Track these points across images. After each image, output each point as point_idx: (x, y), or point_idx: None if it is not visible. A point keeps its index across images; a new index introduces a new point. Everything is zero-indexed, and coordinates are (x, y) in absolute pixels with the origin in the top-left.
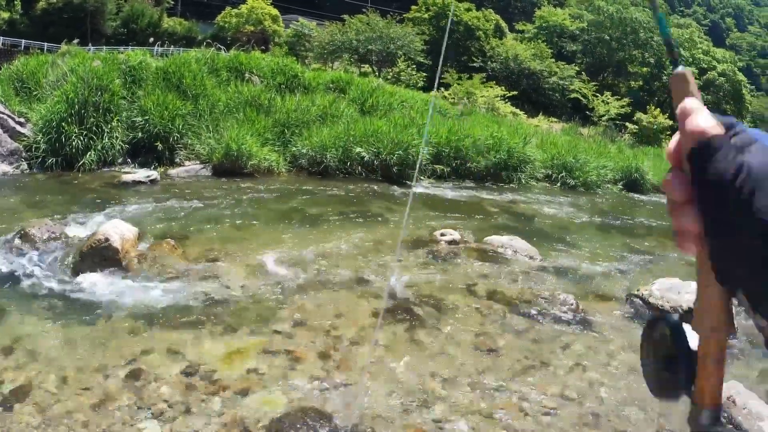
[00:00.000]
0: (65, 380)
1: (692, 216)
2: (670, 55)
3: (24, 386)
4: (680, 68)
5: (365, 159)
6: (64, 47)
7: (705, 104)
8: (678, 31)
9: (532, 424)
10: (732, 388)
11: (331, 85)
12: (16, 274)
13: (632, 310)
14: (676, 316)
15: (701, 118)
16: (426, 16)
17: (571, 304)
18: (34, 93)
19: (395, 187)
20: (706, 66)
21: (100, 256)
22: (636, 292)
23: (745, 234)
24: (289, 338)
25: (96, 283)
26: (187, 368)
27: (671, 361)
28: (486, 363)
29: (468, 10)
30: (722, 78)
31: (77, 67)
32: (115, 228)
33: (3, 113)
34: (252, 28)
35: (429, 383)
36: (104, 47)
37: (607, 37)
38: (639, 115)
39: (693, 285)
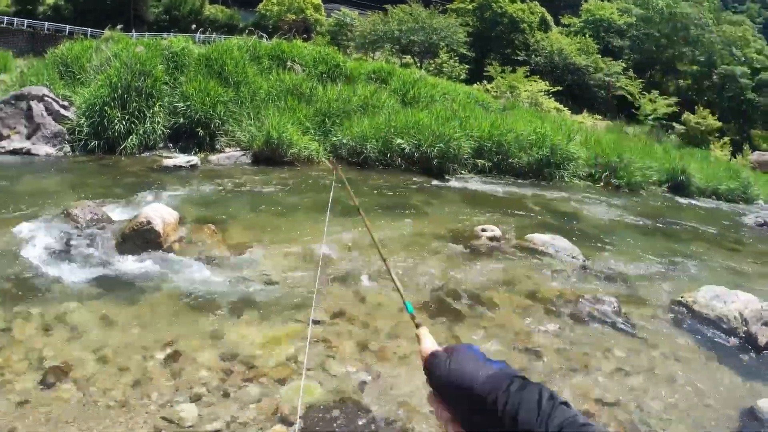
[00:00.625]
0: (104, 359)
1: (442, 407)
2: (414, 321)
3: (64, 364)
4: (419, 329)
5: (405, 151)
6: (107, 33)
7: (757, 107)
8: (730, 29)
9: None
10: None
11: (372, 76)
12: (59, 253)
13: (676, 316)
14: None
15: (426, 346)
16: (470, 6)
17: (614, 307)
18: (78, 77)
19: (435, 181)
20: (759, 66)
21: (141, 238)
22: (680, 299)
23: (455, 396)
24: (326, 328)
25: (137, 265)
26: (226, 353)
27: None
28: (525, 362)
29: (513, 1)
30: None
31: (120, 53)
32: (157, 211)
33: (47, 96)
34: (294, 17)
35: None
36: (146, 33)
37: (656, 33)
38: (687, 115)
39: (740, 294)
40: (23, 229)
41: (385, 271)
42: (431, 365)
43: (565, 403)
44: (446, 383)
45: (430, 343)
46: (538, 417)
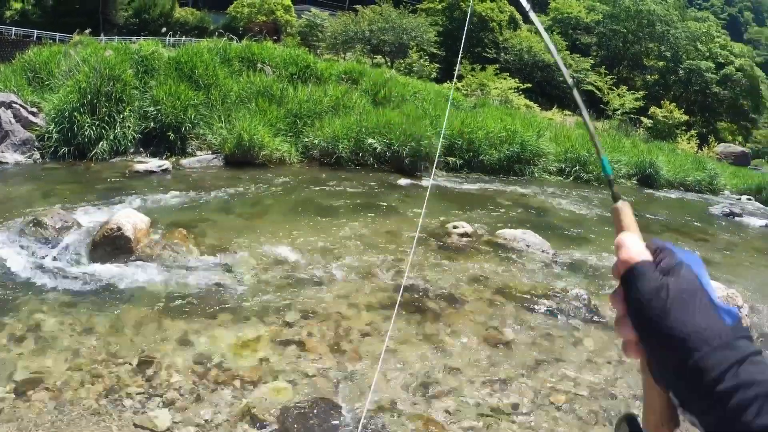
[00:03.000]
0: (77, 368)
1: (629, 327)
2: (611, 191)
3: (36, 373)
4: (618, 203)
5: (377, 150)
6: (76, 37)
7: (722, 101)
8: (695, 25)
9: (542, 419)
10: None
11: (343, 76)
12: (29, 262)
13: None
14: (636, 418)
15: (631, 250)
16: (439, 6)
17: (584, 300)
18: (47, 83)
19: (407, 179)
20: (723, 61)
21: (112, 244)
22: None
23: (664, 347)
24: (299, 329)
25: (108, 272)
26: (199, 357)
27: None
28: (497, 357)
29: (482, 0)
30: (739, 73)
31: (89, 57)
32: (128, 217)
33: (16, 103)
34: (264, 18)
35: (439, 376)
36: (116, 37)
37: (623, 30)
38: (654, 109)
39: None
40: None
41: (356, 269)
42: (634, 281)
43: None
44: (651, 327)
45: (635, 242)
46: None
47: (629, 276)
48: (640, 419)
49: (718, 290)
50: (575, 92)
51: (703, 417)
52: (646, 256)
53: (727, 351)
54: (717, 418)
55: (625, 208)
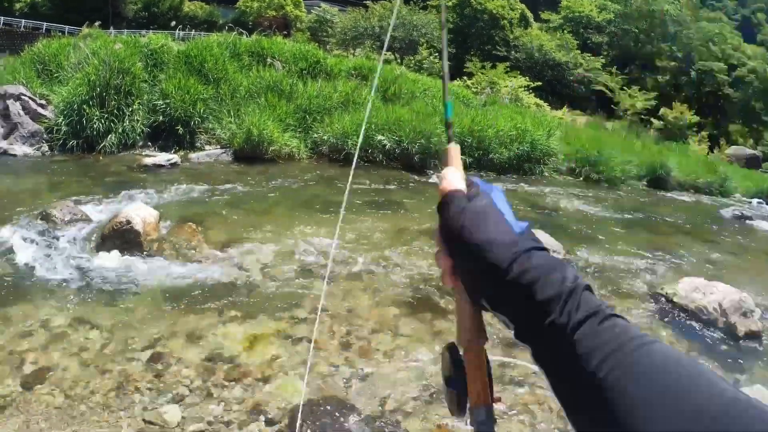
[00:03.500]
0: (86, 362)
1: (444, 255)
2: (447, 133)
3: (44, 367)
4: (450, 144)
5: (386, 147)
6: (85, 30)
7: (734, 103)
8: (708, 26)
9: (555, 420)
10: (758, 393)
11: (353, 72)
12: (38, 255)
13: (657, 308)
14: (455, 345)
15: (449, 181)
16: (450, 3)
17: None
18: (56, 75)
19: (416, 176)
20: (735, 62)
21: (121, 238)
22: (661, 291)
23: (467, 257)
24: (309, 325)
25: (117, 266)
26: (209, 353)
27: (452, 380)
28: (509, 358)
29: None
30: (752, 75)
31: (99, 50)
32: (137, 211)
33: (24, 95)
34: (274, 13)
35: None
36: (125, 30)
37: (635, 30)
38: (665, 110)
39: (719, 285)
40: (1, 230)
41: (367, 266)
42: (445, 206)
43: (589, 288)
44: (455, 241)
45: (453, 176)
46: (559, 299)
47: (443, 203)
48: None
49: (729, 294)
50: (444, 33)
51: (507, 308)
52: (460, 186)
53: (513, 247)
54: (515, 305)
55: (454, 150)
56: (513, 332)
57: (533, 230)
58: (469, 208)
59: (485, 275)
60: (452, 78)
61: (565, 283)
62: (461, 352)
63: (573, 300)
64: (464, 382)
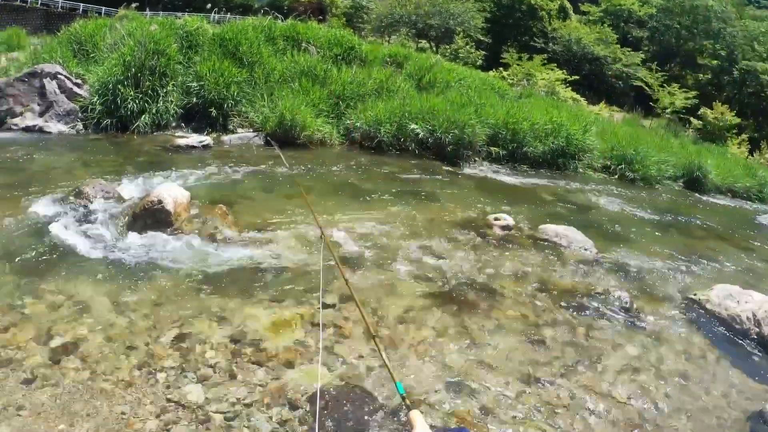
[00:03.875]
0: (112, 338)
1: None
2: (405, 404)
3: (72, 341)
4: (411, 412)
5: (420, 136)
6: (122, 11)
7: None
8: (753, 24)
9: (577, 423)
10: None
11: (387, 59)
12: (69, 231)
13: (689, 314)
14: None
15: None
16: None
17: (626, 302)
18: (92, 55)
19: (449, 167)
20: None
21: (152, 217)
22: (693, 297)
23: None
24: (336, 312)
25: (147, 244)
26: (234, 335)
27: None
28: (534, 355)
29: None
30: None
31: (135, 31)
32: (169, 191)
33: (61, 74)
34: None
35: (475, 370)
36: (161, 13)
37: (677, 25)
38: (704, 110)
39: (754, 294)
40: (35, 206)
41: (396, 255)
42: None
43: None
44: None
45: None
46: None
47: None
48: None
49: (764, 304)
50: None
51: None
52: None
53: None
54: None
55: (417, 416)
56: None
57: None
58: None
59: None
60: (488, 68)
61: None
62: None
63: None
64: None
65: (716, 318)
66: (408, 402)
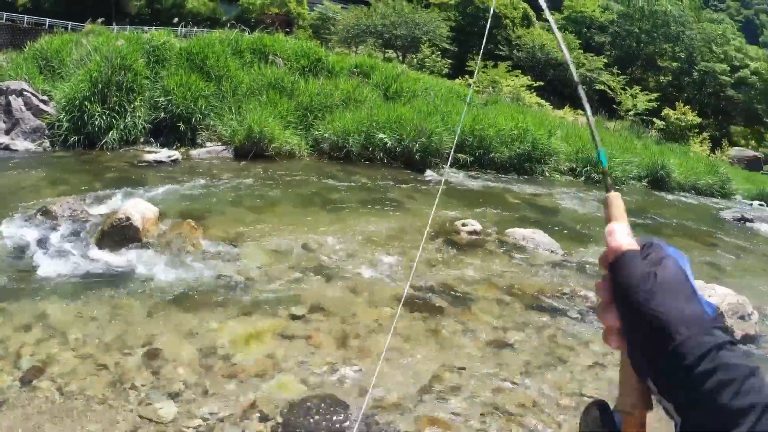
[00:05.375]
0: (83, 357)
1: (613, 315)
2: (605, 181)
3: (42, 362)
4: (611, 193)
5: (388, 145)
6: (88, 26)
7: (736, 104)
8: (710, 26)
9: (548, 422)
10: None
11: (354, 70)
12: (37, 250)
13: None
14: (606, 403)
15: (621, 238)
16: (452, 1)
17: (592, 302)
18: (58, 71)
19: (417, 175)
20: (738, 63)
21: (120, 234)
22: None
23: (644, 331)
24: (306, 323)
25: (116, 262)
26: (205, 350)
27: None
28: (503, 357)
29: None
30: (754, 77)
31: (101, 47)
32: (136, 207)
33: (27, 91)
34: (276, 10)
35: (445, 375)
36: (128, 27)
37: (637, 30)
38: (667, 111)
39: (717, 288)
40: (1, 226)
41: (365, 265)
42: (621, 271)
43: None
44: (636, 310)
45: (623, 231)
46: (754, 410)
47: (619, 262)
48: (611, 404)
49: (727, 297)
50: (580, 88)
51: (681, 402)
52: (635, 245)
53: (708, 337)
54: (692, 401)
55: (616, 199)
56: (677, 425)
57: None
58: (660, 274)
59: (664, 359)
60: (453, 76)
61: (764, 391)
62: (618, 415)
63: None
64: None
65: None
66: (609, 180)
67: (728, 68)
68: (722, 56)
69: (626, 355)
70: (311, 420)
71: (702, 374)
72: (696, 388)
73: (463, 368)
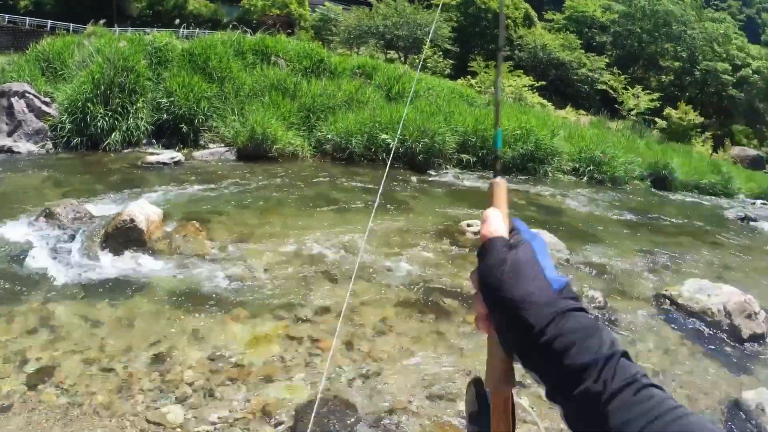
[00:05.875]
0: (89, 361)
1: (480, 301)
2: (494, 166)
3: (48, 366)
4: (497, 179)
5: (390, 146)
6: (90, 28)
7: (738, 104)
8: (712, 26)
9: (558, 424)
10: (762, 395)
11: (356, 71)
12: (41, 253)
13: (661, 310)
14: (482, 380)
15: (491, 225)
16: (454, 2)
17: (599, 301)
18: (60, 73)
19: (419, 175)
20: (740, 63)
21: (125, 236)
22: (665, 293)
23: (501, 312)
24: (313, 325)
25: (121, 264)
26: (212, 352)
27: (476, 417)
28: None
29: None
30: (756, 76)
31: (103, 48)
32: (141, 209)
33: (29, 93)
34: (278, 12)
35: (454, 377)
36: (130, 29)
37: (638, 29)
38: (669, 110)
39: (723, 287)
40: (5, 228)
41: (370, 266)
42: (484, 253)
43: (626, 355)
44: (492, 294)
45: (496, 219)
46: (595, 366)
47: (483, 249)
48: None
49: (733, 296)
50: (499, 56)
51: (539, 369)
52: (502, 232)
53: (550, 308)
54: (546, 366)
55: (498, 187)
56: (544, 391)
57: (540, 230)
58: (510, 259)
59: (519, 334)
60: (456, 77)
61: (602, 349)
62: (488, 392)
63: (609, 368)
64: (488, 422)
65: (688, 312)
66: (498, 166)
67: (730, 67)
68: (724, 55)
69: (492, 338)
70: (320, 423)
71: (548, 341)
72: (547, 354)
73: (472, 370)
